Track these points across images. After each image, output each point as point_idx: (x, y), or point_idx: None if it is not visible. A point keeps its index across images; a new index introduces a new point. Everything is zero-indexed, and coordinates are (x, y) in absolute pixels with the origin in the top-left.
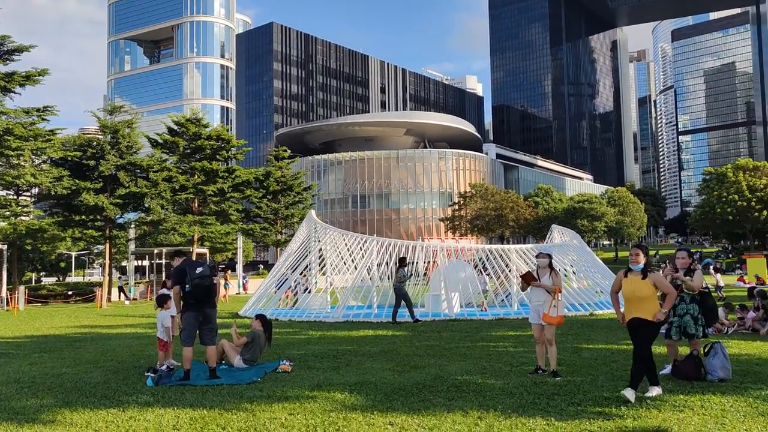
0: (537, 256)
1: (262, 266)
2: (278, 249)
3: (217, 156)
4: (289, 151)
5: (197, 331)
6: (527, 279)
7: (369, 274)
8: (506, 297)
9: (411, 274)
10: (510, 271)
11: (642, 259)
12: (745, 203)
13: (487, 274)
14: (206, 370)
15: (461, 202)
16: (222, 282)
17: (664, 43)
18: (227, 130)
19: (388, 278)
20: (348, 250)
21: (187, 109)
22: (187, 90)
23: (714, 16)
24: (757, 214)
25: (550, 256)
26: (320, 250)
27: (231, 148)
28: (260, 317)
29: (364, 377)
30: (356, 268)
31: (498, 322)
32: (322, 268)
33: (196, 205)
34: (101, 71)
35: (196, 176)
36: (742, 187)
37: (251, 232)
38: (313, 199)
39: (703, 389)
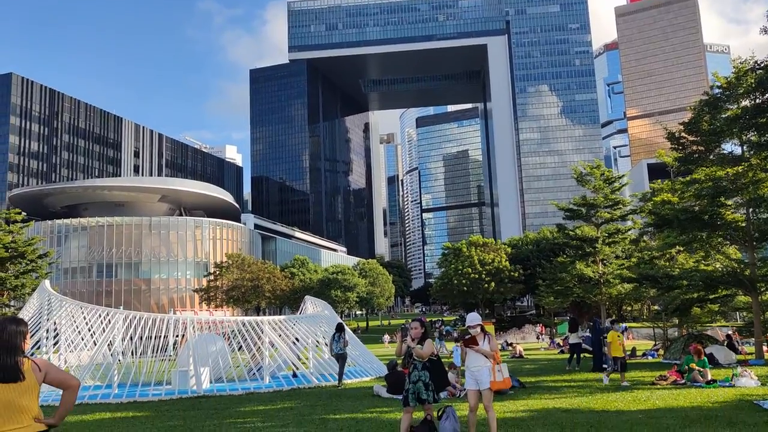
0: (468, 328)
1: None
2: None
3: None
4: (24, 213)
5: None
6: (469, 343)
7: (110, 349)
8: (257, 370)
9: (158, 349)
10: (262, 343)
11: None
12: (477, 275)
13: (239, 347)
14: None
15: (217, 272)
16: None
17: (409, 129)
18: None
19: (132, 354)
20: (87, 324)
21: None
22: None
23: (451, 108)
24: (486, 285)
25: (480, 325)
26: (54, 324)
27: None
28: None
29: None
30: (95, 344)
31: (248, 397)
32: (55, 345)
33: None
34: None
35: None
36: (474, 261)
37: None
38: (50, 268)
39: None
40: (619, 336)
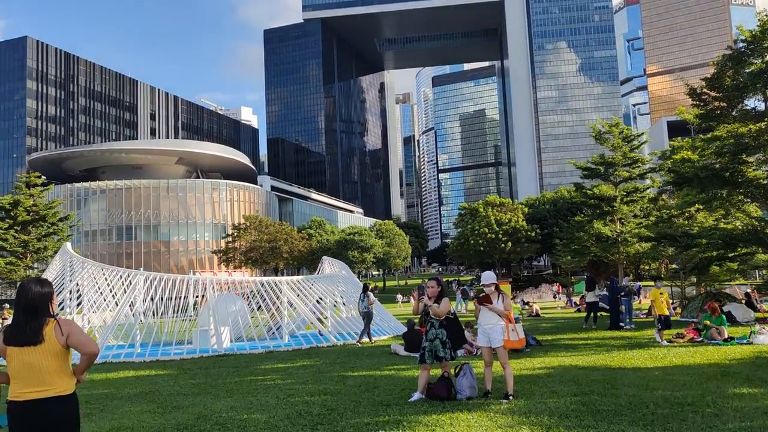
0: (483, 286)
1: (8, 305)
2: None
3: None
4: (43, 177)
5: None
6: (483, 301)
7: (132, 310)
8: (277, 329)
9: (178, 309)
10: (281, 303)
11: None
12: (493, 235)
13: (258, 307)
14: None
15: (235, 234)
16: None
17: (425, 88)
18: None
19: (153, 314)
20: (109, 285)
21: None
22: None
23: (468, 67)
24: (503, 245)
25: (495, 283)
26: (77, 285)
27: None
28: None
29: (121, 422)
30: (117, 305)
31: (268, 356)
32: (78, 306)
33: None
34: None
35: None
36: (491, 221)
37: None
38: (71, 231)
39: (453, 408)
40: (662, 293)
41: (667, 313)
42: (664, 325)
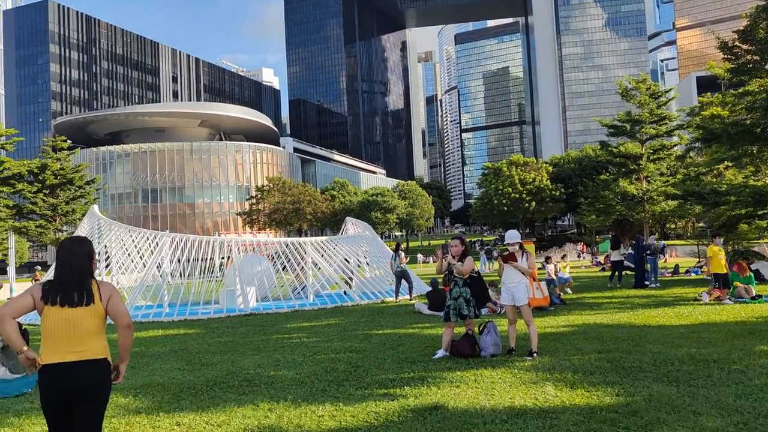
0: (507, 245)
1: (39, 267)
2: None
3: None
4: (69, 141)
5: None
6: (507, 259)
7: (159, 271)
8: (302, 289)
9: (205, 270)
10: (306, 263)
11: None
12: (517, 195)
13: (283, 268)
14: None
15: (259, 195)
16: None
17: (448, 46)
18: None
19: (180, 275)
20: (136, 246)
21: None
22: None
23: (491, 23)
24: (527, 205)
25: (519, 242)
26: (105, 247)
27: None
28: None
29: (151, 378)
30: (145, 266)
31: (294, 314)
32: (107, 267)
33: None
34: None
35: None
36: (515, 181)
37: (25, 230)
38: (97, 194)
39: (477, 365)
40: (720, 250)
41: (725, 271)
42: (723, 284)
